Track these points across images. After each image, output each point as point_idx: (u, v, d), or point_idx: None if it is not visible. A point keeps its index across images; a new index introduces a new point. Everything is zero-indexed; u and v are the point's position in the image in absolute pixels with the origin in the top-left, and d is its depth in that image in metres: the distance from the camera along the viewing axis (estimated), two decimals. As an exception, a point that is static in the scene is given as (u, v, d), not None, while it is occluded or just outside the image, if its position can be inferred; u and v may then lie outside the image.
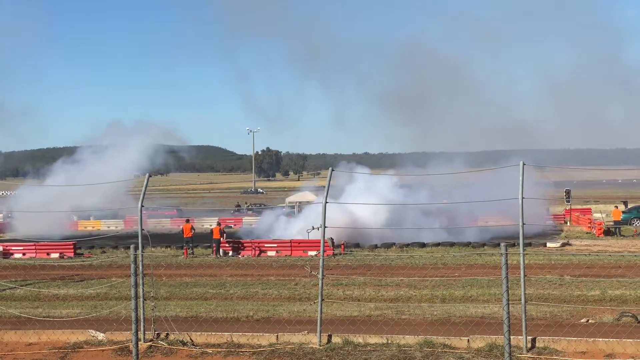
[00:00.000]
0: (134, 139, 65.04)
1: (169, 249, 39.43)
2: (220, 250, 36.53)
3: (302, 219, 43.52)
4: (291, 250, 36.31)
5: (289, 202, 63.25)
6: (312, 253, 34.69)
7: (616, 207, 48.92)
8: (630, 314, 15.57)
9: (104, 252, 39.79)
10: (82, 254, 39.24)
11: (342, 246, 35.91)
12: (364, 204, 34.57)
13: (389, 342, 12.25)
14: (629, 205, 55.68)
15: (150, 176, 13.41)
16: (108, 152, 64.05)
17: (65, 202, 53.05)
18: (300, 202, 58.99)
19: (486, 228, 42.39)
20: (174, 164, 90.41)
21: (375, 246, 38.27)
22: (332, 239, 34.34)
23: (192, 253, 37.21)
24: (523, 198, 11.53)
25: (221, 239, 36.93)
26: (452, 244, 38.24)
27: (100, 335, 13.37)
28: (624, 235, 42.76)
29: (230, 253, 36.76)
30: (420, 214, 43.52)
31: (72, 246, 38.99)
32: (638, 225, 47.95)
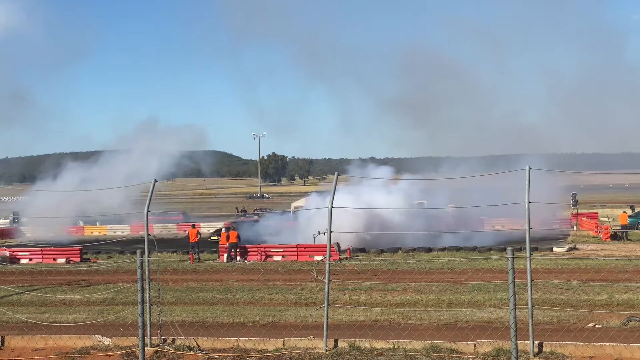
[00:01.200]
0: (164, 143, 66.06)
1: (175, 254, 39.56)
2: (230, 255, 36.64)
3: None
4: (297, 255, 36.33)
5: (295, 207, 63.24)
6: (318, 258, 34.69)
7: (625, 211, 48.82)
8: (637, 319, 15.53)
9: (110, 257, 39.89)
10: (89, 259, 39.34)
11: (348, 251, 35.91)
12: (372, 208, 34.55)
13: (396, 347, 12.23)
14: (636, 210, 55.51)
15: (156, 181, 13.44)
16: (132, 156, 64.84)
17: (83, 205, 53.64)
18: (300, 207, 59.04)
19: (495, 232, 42.39)
20: (190, 169, 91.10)
21: (382, 251, 38.24)
22: (338, 243, 34.32)
23: (198, 258, 37.26)
24: (529, 202, 11.52)
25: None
26: (458, 249, 38.20)
27: (107, 341, 13.38)
28: (631, 240, 42.66)
29: (238, 258, 36.76)
30: (437, 217, 43.72)
31: (78, 251, 39.10)
32: (645, 229, 47.79)
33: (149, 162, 64.65)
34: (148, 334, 12.55)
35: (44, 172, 71.49)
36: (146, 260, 12.14)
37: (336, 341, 12.58)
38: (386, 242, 40.08)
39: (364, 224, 38.92)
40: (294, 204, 68.66)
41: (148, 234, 13.33)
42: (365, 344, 12.42)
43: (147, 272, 12.17)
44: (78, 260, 38.20)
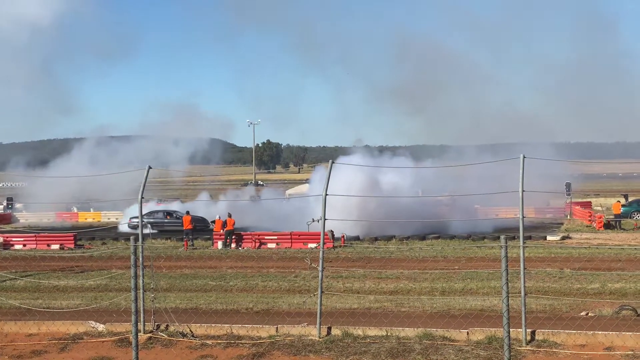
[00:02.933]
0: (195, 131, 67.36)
1: (169, 240, 39.55)
2: (225, 242, 36.68)
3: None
4: (291, 242, 36.33)
5: (289, 195, 63.19)
6: (312, 245, 34.71)
7: (618, 201, 48.97)
8: (629, 307, 15.58)
9: (104, 243, 39.86)
10: (83, 245, 39.29)
11: (342, 238, 35.93)
12: (367, 196, 34.45)
13: (389, 334, 12.26)
14: (630, 199, 55.68)
15: (150, 168, 13.41)
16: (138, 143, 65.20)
17: (85, 191, 53.82)
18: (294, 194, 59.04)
19: (489, 221, 42.48)
20: (186, 156, 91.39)
21: (375, 239, 38.28)
22: (332, 231, 34.34)
23: (192, 245, 37.26)
24: (523, 191, 11.52)
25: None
26: (452, 237, 38.27)
27: (100, 327, 13.39)
28: (624, 229, 42.79)
29: (233, 245, 36.77)
30: (441, 204, 43.84)
31: (72, 237, 39.05)
32: (638, 218, 47.97)
33: (158, 148, 65.16)
34: (142, 320, 12.56)
35: (51, 157, 72.08)
36: (140, 247, 12.12)
37: (329, 328, 12.61)
38: (386, 230, 40.01)
39: (371, 211, 38.77)
40: (288, 192, 68.62)
41: (142, 221, 13.34)
42: (358, 331, 12.45)
43: (140, 259, 12.16)
44: (72, 246, 38.15)
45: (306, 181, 76.24)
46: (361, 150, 55.33)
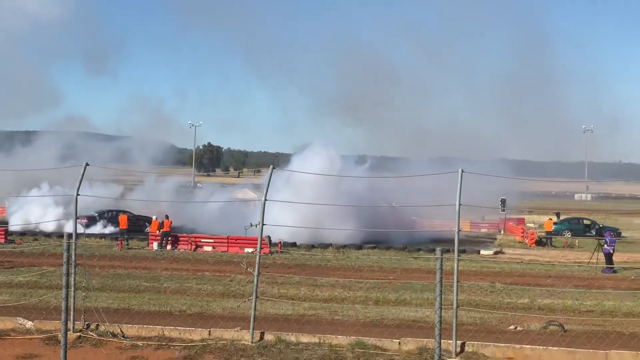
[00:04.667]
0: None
1: (103, 239, 38.96)
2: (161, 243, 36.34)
3: None
4: (228, 246, 36.15)
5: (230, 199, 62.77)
6: (248, 250, 34.60)
7: (550, 218, 50.15)
8: (557, 323, 15.95)
9: (36, 239, 39.03)
10: (14, 240, 38.37)
11: (279, 244, 35.89)
12: (307, 203, 34.49)
13: (322, 341, 12.30)
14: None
15: (87, 165, 13.18)
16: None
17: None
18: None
19: (426, 233, 42.95)
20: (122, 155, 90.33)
21: (312, 246, 38.31)
22: (269, 237, 34.26)
23: (127, 245, 36.77)
24: (460, 205, 11.70)
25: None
26: (388, 247, 38.56)
27: (29, 324, 13.11)
28: (554, 246, 43.80)
29: (169, 247, 36.42)
30: (386, 215, 44.17)
31: (2, 232, 38.10)
32: (569, 236, 49.18)
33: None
34: (71, 318, 12.34)
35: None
36: (73, 244, 11.91)
37: (262, 334, 12.59)
38: (328, 237, 40.00)
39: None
40: (230, 196, 68.15)
41: (77, 218, 13.13)
42: (291, 337, 12.46)
43: (73, 256, 11.95)
44: (2, 241, 37.22)
45: (245, 186, 75.92)
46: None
